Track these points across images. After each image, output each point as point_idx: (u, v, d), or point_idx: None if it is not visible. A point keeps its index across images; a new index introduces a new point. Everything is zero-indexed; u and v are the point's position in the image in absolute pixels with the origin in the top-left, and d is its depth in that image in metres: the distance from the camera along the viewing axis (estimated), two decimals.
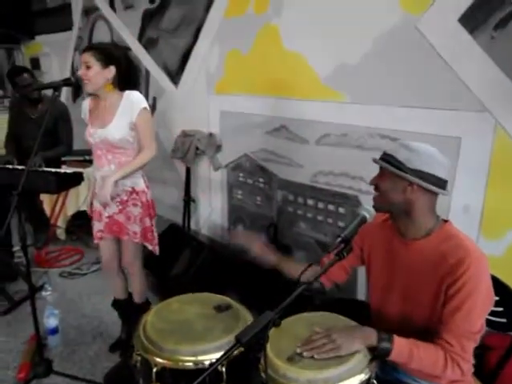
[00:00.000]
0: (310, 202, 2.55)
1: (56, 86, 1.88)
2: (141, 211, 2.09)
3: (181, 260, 2.79)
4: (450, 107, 1.85)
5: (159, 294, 2.87)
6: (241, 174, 2.98)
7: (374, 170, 1.31)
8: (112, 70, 1.98)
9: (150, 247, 2.17)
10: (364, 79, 2.15)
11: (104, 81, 1.97)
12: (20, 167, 2.63)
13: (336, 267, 1.26)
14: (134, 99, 1.98)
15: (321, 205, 2.50)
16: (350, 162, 2.30)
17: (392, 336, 1.16)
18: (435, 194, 1.23)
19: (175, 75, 3.33)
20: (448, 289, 1.16)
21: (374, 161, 1.27)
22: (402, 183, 1.21)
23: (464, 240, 1.20)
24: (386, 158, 1.23)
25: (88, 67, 1.93)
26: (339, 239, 1.14)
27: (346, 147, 2.29)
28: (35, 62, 4.71)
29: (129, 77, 2.06)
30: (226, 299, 1.57)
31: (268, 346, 1.12)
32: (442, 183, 1.21)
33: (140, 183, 2.09)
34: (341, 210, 2.41)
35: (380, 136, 2.14)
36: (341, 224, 2.44)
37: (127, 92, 2.00)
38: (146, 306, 2.31)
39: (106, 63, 1.96)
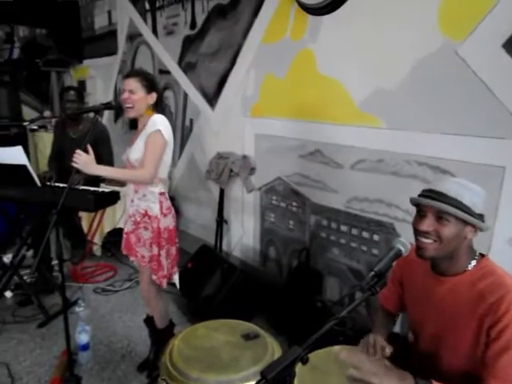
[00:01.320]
0: (344, 227, 2.49)
1: (97, 110, 1.94)
2: (151, 236, 2.05)
3: (211, 281, 2.77)
4: (492, 135, 1.77)
5: (189, 314, 2.87)
6: (274, 197, 2.97)
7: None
8: (154, 97, 2.03)
9: (153, 277, 2.12)
10: (402, 105, 2.11)
11: (146, 106, 2.02)
12: (61, 185, 2.72)
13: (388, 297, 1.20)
14: (154, 122, 1.98)
15: (355, 231, 2.44)
16: (385, 188, 2.23)
17: (430, 382, 1.06)
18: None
19: (212, 98, 3.39)
20: (490, 330, 1.08)
21: (440, 208, 1.13)
22: (467, 228, 1.13)
23: (503, 276, 1.12)
24: (452, 203, 1.11)
25: (132, 92, 1.98)
26: (372, 273, 1.09)
27: (381, 173, 2.24)
28: (82, 85, 4.96)
29: (160, 101, 2.11)
30: (254, 327, 1.53)
31: (295, 383, 1.07)
32: (484, 218, 1.15)
33: (154, 209, 2.04)
34: (375, 237, 2.34)
35: (417, 163, 2.07)
36: (375, 252, 2.36)
37: (155, 115, 2.02)
38: (168, 330, 2.30)
39: (149, 89, 2.01)
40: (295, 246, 2.83)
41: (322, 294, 2.65)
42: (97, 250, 3.64)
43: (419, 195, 1.20)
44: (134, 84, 1.98)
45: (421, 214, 1.18)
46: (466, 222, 1.12)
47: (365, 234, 2.39)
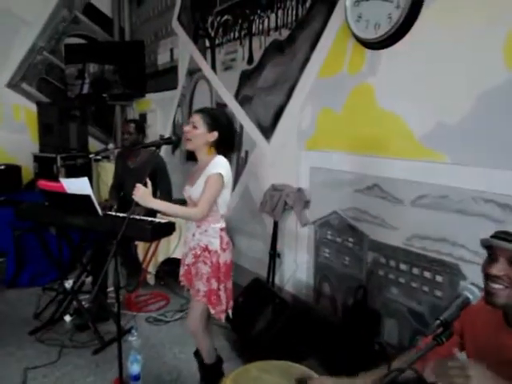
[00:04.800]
0: (404, 266, 2.40)
1: (157, 145, 2.06)
2: (209, 271, 2.09)
3: (263, 317, 2.74)
4: None
5: (238, 349, 2.84)
6: (329, 232, 2.93)
7: (477, 238, 1.17)
8: (214, 135, 2.08)
9: (212, 311, 2.13)
10: (466, 139, 2.03)
11: (204, 142, 2.09)
12: (121, 215, 2.84)
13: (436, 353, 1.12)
14: (216, 164, 2.05)
15: (415, 270, 2.33)
16: (449, 226, 2.13)
17: None
18: None
19: (268, 131, 3.45)
20: None
21: None
22: None
23: None
24: None
25: (195, 127, 2.07)
26: (438, 322, 1.03)
27: (445, 210, 2.15)
28: (143, 117, 5.23)
29: (228, 141, 2.16)
30: (308, 371, 1.48)
31: None
32: None
33: (215, 243, 2.09)
34: (438, 278, 2.22)
35: (484, 200, 1.97)
36: (438, 293, 2.23)
37: (217, 156, 2.09)
38: (216, 366, 2.29)
39: (211, 128, 2.07)
40: (351, 284, 2.76)
41: (380, 335, 2.54)
42: (150, 278, 3.72)
43: (491, 236, 1.13)
44: (197, 119, 2.08)
45: (492, 257, 1.11)
46: None
47: (427, 274, 2.28)
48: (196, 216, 2.04)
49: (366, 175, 2.58)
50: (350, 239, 2.76)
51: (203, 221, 2.09)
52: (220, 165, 2.05)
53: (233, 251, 2.21)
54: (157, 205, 2.02)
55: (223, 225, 2.16)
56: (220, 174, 2.02)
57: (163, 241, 3.47)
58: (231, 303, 2.21)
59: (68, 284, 3.23)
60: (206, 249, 2.10)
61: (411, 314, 2.37)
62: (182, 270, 2.27)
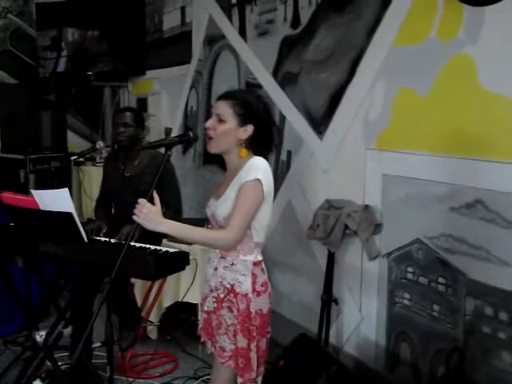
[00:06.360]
0: None
1: (169, 145, 2.07)
2: (235, 322, 2.10)
3: None
4: None
5: None
6: (409, 269, 2.91)
7: None
8: (248, 131, 2.10)
9: (239, 380, 2.13)
10: None
11: (234, 142, 2.11)
12: (113, 241, 2.87)
13: None
14: (251, 167, 2.07)
15: None
16: None
17: None
18: None
19: (320, 122, 3.44)
20: None
21: None
22: None
23: None
24: None
25: (221, 120, 2.09)
26: None
27: None
28: (142, 103, 5.33)
29: (265, 138, 2.18)
30: None
31: None
32: None
33: (245, 283, 2.11)
34: None
35: None
36: None
37: (253, 157, 2.11)
38: None
39: (244, 121, 2.09)
40: (441, 345, 2.73)
41: None
42: (152, 331, 3.73)
43: None
44: (224, 108, 2.09)
45: None
46: None
47: None
48: (227, 241, 2.04)
49: (465, 187, 2.57)
50: (441, 279, 2.75)
51: (230, 250, 2.12)
52: (257, 168, 2.05)
53: (271, 296, 2.22)
54: (171, 228, 2.00)
55: (259, 257, 2.17)
56: (258, 180, 2.02)
57: (170, 278, 3.46)
58: (262, 369, 2.22)
59: (39, 336, 3.23)
60: (232, 290, 2.12)
61: None
62: (200, 320, 2.29)
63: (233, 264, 2.13)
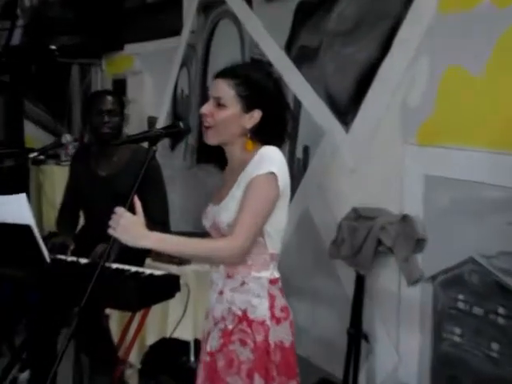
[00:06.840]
0: None
1: (154, 138, 1.98)
2: (252, 359, 2.00)
3: None
4: None
5: None
6: (460, 296, 2.81)
7: None
8: (255, 117, 2.04)
9: None
10: None
11: (238, 131, 2.06)
12: (83, 261, 2.79)
13: None
14: (263, 157, 2.02)
15: None
16: None
17: None
18: None
19: (346, 110, 3.39)
20: None
21: None
22: None
23: None
24: None
25: (220, 104, 2.02)
26: None
27: None
28: (120, 85, 5.27)
29: (276, 125, 2.13)
30: None
31: None
32: None
33: (260, 307, 2.04)
34: None
35: None
36: None
37: (264, 147, 2.05)
38: None
39: (250, 105, 2.04)
40: None
41: None
42: (132, 375, 3.66)
43: None
44: (224, 90, 2.04)
45: None
46: None
47: None
48: (231, 251, 1.97)
49: None
50: (501, 310, 2.67)
51: (239, 265, 2.04)
52: (271, 159, 2.00)
53: (293, 326, 2.14)
54: (157, 242, 1.94)
55: (275, 274, 2.10)
56: (271, 173, 1.97)
57: (155, 309, 3.33)
58: None
59: None
60: (244, 318, 2.03)
61: None
62: (200, 368, 2.17)
63: (243, 283, 2.06)
